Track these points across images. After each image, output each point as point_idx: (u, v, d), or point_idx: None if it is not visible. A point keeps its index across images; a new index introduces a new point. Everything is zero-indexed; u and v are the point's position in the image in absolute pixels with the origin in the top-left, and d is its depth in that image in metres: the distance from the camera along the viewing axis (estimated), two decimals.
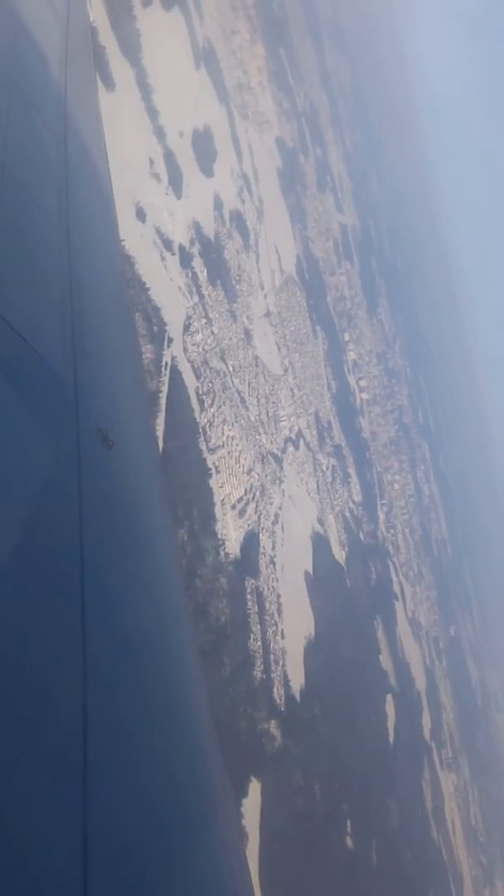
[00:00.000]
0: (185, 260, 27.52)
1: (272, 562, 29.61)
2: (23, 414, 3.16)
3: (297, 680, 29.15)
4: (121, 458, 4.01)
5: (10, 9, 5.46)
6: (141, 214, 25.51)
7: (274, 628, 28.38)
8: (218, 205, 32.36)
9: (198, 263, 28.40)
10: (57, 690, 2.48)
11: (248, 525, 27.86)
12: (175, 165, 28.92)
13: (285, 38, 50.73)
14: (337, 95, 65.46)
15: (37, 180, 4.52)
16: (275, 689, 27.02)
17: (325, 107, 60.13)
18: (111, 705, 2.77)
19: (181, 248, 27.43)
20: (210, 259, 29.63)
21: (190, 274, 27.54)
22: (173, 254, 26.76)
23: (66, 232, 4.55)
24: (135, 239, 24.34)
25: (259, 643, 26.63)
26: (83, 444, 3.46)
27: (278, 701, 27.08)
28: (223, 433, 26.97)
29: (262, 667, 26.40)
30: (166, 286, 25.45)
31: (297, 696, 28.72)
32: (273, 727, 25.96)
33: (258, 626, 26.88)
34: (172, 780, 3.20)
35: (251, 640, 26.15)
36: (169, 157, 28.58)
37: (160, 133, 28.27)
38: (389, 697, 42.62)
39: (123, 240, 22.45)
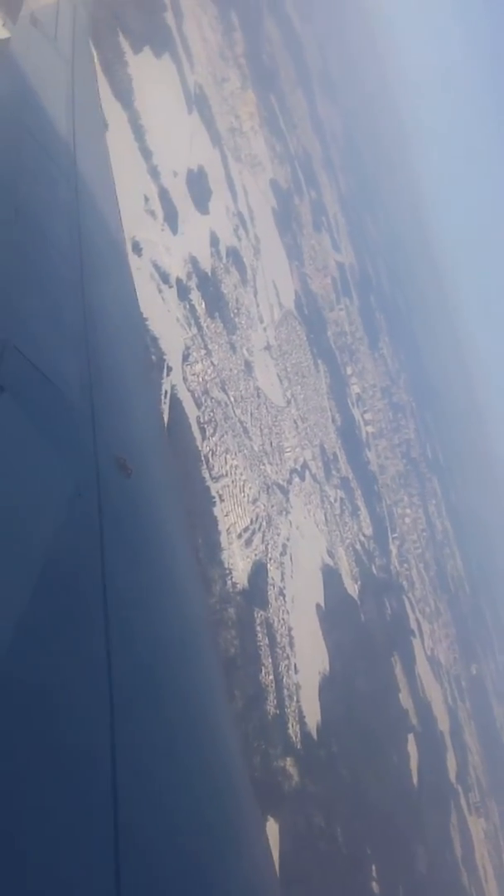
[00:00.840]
0: (183, 293, 27.71)
1: (282, 593, 29.06)
2: (42, 446, 3.16)
3: (313, 716, 28.32)
4: (139, 485, 4.01)
5: (17, 55, 5.74)
6: (137, 248, 25.77)
7: (286, 662, 27.69)
8: (214, 241, 32.75)
9: (195, 296, 28.60)
10: (84, 722, 2.45)
11: (256, 555, 27.41)
12: (170, 203, 29.36)
13: (276, 87, 52.13)
14: (329, 141, 66.97)
15: (50, 220, 4.68)
16: (290, 725, 26.22)
17: (317, 151, 61.43)
18: (138, 736, 2.71)
19: (178, 281, 27.65)
20: (207, 292, 29.85)
21: (187, 306, 27.70)
22: (170, 286, 26.96)
23: (80, 267, 4.68)
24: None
25: (271, 677, 25.95)
26: (102, 473, 3.45)
27: (294, 738, 26.25)
28: (226, 462, 26.74)
29: (275, 701, 25.67)
30: (164, 317, 25.56)
31: (314, 733, 27.86)
32: (289, 764, 25.10)
33: (269, 659, 26.22)
34: (203, 807, 3.14)
35: (263, 674, 25.49)
36: (164, 195, 29.02)
37: (154, 172, 28.76)
38: (411, 737, 41.35)
39: None
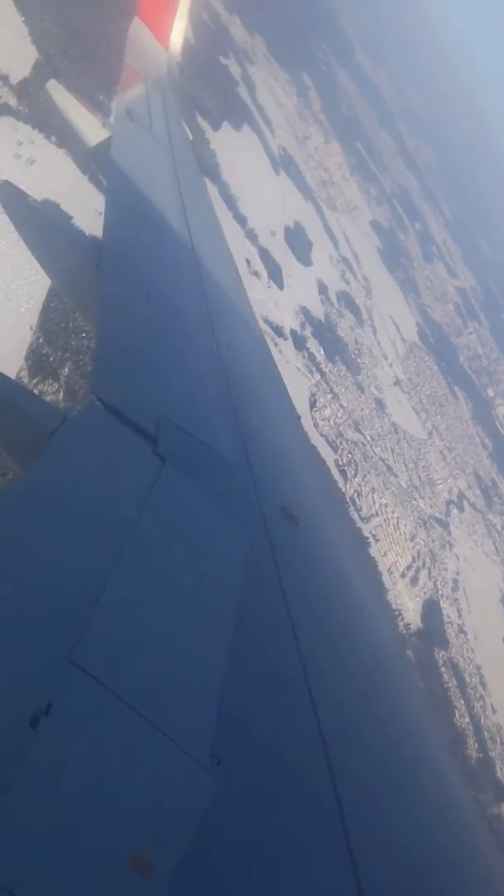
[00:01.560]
0: (299, 342, 27.75)
1: (462, 630, 27.36)
2: (210, 507, 3.26)
3: None
4: (308, 533, 4.03)
5: (121, 150, 6.22)
6: None
7: (481, 702, 25.82)
8: (322, 289, 32.82)
9: (312, 344, 28.56)
10: (301, 772, 2.42)
11: (425, 593, 26.10)
12: (272, 261, 29.80)
13: (360, 134, 52.68)
14: (425, 172, 66.49)
15: (179, 295, 5.01)
16: (498, 769, 24.20)
17: (414, 185, 61.10)
18: (361, 787, 2.65)
19: (293, 332, 27.76)
20: (324, 338, 29.75)
21: (306, 355, 27.67)
22: (285, 339, 27.07)
23: (213, 333, 4.93)
24: None
25: (467, 719, 24.22)
26: (271, 526, 3.52)
27: None
28: (374, 501, 25.93)
29: (475, 745, 23.87)
30: (284, 368, 25.52)
31: None
32: None
33: (461, 701, 24.55)
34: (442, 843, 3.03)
35: (457, 717, 23.84)
36: (265, 255, 29.53)
37: (252, 236, 29.39)
38: None
39: None
